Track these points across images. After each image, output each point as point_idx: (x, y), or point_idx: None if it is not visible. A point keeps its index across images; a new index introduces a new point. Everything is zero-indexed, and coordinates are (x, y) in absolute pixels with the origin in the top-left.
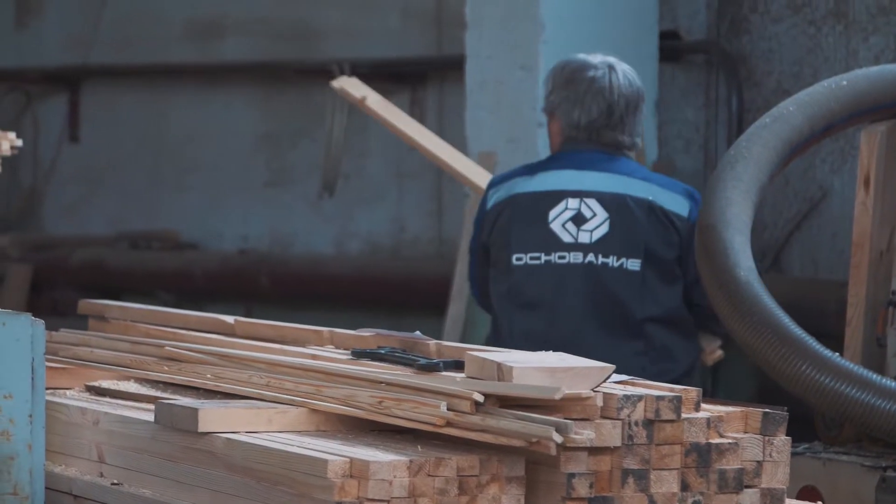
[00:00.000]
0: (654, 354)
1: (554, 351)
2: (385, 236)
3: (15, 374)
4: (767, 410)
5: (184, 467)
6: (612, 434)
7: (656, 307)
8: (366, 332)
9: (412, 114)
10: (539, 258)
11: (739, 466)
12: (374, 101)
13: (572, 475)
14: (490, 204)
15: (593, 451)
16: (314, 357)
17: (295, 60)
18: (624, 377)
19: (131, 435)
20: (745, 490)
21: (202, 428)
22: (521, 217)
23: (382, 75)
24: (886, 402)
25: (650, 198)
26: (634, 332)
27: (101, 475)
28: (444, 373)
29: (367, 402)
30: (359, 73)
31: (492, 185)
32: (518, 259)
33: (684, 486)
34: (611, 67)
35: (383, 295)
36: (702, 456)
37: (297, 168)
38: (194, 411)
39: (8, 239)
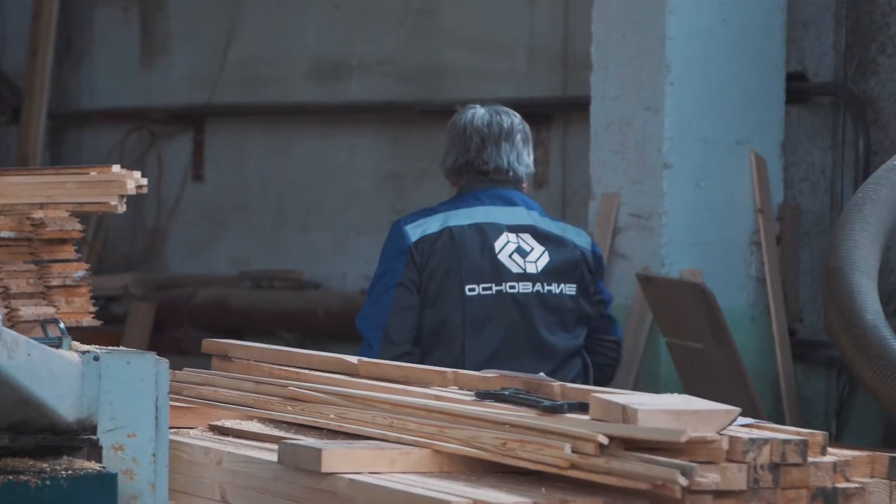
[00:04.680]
0: (587, 376)
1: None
2: None
3: (139, 413)
4: (895, 455)
5: None
6: (737, 477)
7: (584, 330)
8: (490, 374)
9: (536, 154)
10: (490, 288)
11: None
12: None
13: None
14: (413, 238)
15: (718, 494)
16: (438, 398)
17: (420, 101)
18: (749, 420)
19: (254, 475)
20: None
21: (325, 468)
22: (468, 249)
23: None
24: None
25: (565, 235)
26: (576, 353)
27: None
28: (569, 415)
29: (491, 444)
30: None
31: (404, 222)
32: (471, 290)
33: None
34: (478, 107)
35: None
36: (828, 500)
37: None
38: (318, 451)
39: (132, 278)
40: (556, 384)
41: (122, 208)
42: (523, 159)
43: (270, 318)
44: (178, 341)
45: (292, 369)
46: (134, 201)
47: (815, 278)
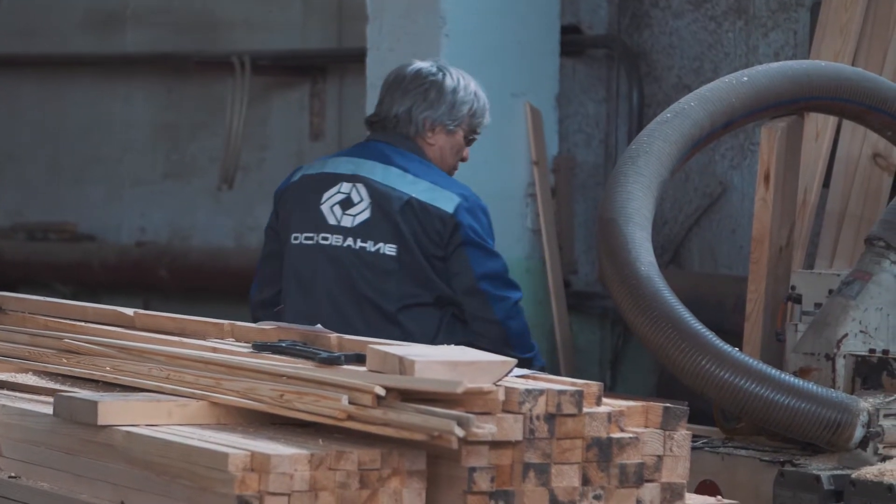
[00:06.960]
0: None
1: None
2: None
3: None
4: (668, 405)
5: (83, 461)
6: (513, 428)
7: (415, 295)
8: (267, 325)
9: (312, 106)
10: (312, 238)
11: (640, 461)
12: None
13: (473, 469)
14: (282, 186)
15: (495, 445)
16: (214, 350)
17: (196, 52)
18: (526, 371)
19: (30, 428)
20: (646, 484)
21: (101, 421)
22: (301, 198)
23: (283, 67)
24: (785, 397)
25: (412, 194)
26: (391, 318)
27: None
28: (346, 366)
29: (268, 396)
30: (259, 66)
31: (294, 168)
32: (295, 238)
33: (585, 481)
34: (416, 62)
35: None
36: (603, 450)
37: (197, 160)
38: (93, 404)
39: None
40: (334, 336)
41: None
42: (420, 109)
43: (45, 270)
44: None
45: (68, 322)
46: None
47: (589, 230)
